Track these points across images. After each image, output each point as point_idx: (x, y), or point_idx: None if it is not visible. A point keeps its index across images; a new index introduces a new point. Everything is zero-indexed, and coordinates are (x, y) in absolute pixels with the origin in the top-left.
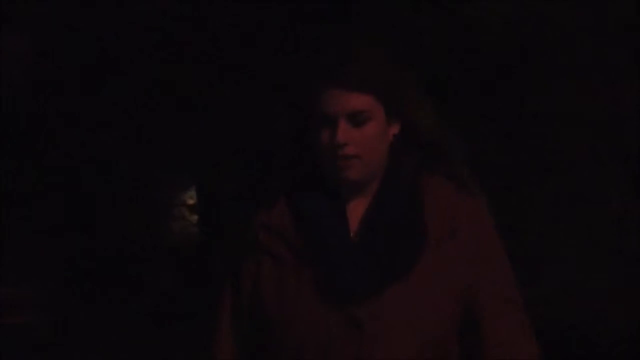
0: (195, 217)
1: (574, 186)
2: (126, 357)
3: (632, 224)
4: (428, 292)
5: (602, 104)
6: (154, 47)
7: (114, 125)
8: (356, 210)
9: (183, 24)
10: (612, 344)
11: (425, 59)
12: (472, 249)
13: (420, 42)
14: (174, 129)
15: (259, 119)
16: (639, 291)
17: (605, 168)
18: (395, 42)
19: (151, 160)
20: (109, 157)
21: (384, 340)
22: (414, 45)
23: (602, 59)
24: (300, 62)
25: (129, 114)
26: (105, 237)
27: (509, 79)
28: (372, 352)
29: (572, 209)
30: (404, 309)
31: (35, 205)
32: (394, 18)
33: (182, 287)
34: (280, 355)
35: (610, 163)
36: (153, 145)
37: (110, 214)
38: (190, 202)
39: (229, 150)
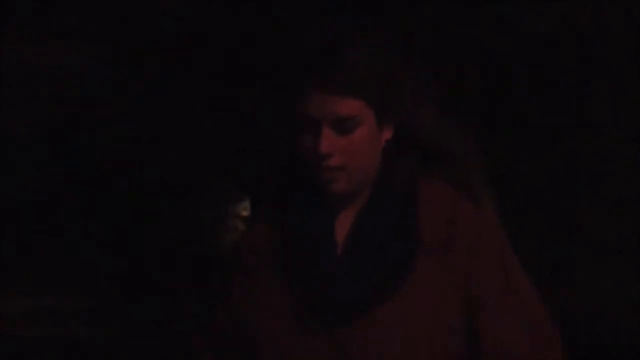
0: None
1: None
2: None
3: None
4: (421, 310)
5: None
6: (210, 61)
7: (169, 138)
8: (345, 221)
9: (238, 38)
10: None
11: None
12: (473, 262)
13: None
14: (229, 141)
15: None
16: None
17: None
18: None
19: (205, 172)
20: (163, 170)
21: None
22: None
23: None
24: (283, 56)
25: (184, 126)
26: (157, 249)
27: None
28: None
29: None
30: (395, 330)
31: (86, 216)
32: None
33: None
34: None
35: None
36: (207, 156)
37: (164, 225)
38: (244, 213)
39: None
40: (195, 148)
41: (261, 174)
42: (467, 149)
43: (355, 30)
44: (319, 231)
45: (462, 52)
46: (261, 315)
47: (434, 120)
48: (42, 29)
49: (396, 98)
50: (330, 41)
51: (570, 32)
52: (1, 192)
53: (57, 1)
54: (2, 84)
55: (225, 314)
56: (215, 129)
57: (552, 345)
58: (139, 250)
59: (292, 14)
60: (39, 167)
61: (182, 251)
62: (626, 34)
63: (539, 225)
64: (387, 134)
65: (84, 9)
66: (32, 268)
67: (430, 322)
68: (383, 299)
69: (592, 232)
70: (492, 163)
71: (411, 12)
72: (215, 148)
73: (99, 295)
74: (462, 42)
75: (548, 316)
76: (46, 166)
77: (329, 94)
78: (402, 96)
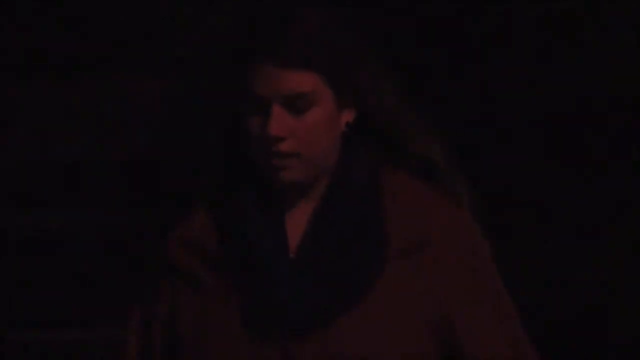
0: None
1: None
2: None
3: None
4: (389, 321)
5: None
6: None
7: None
8: (299, 219)
9: None
10: None
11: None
12: (449, 267)
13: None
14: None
15: None
16: None
17: None
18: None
19: None
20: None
21: None
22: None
23: None
24: (232, 27)
25: None
26: None
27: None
28: None
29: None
30: (357, 344)
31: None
32: None
33: None
34: None
35: None
36: None
37: None
38: None
39: None
40: None
41: (201, 168)
42: (435, 140)
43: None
44: (267, 231)
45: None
46: (200, 329)
47: (397, 105)
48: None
49: (355, 75)
50: (281, 12)
51: None
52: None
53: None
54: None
55: (147, 332)
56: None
57: None
58: None
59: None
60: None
61: None
62: None
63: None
64: (347, 117)
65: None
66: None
67: (399, 335)
68: (342, 310)
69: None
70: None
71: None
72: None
73: None
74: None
75: (526, 332)
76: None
77: (279, 66)
78: (361, 74)
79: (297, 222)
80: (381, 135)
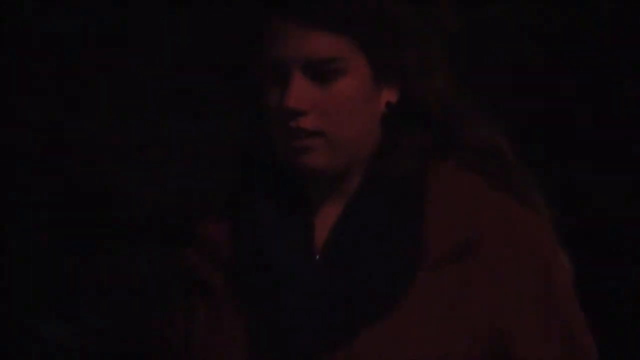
0: None
1: None
2: None
3: None
4: (425, 337)
5: None
6: None
7: None
8: (329, 217)
9: None
10: None
11: None
12: (507, 273)
13: None
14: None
15: None
16: None
17: None
18: None
19: None
20: None
21: None
22: None
23: None
24: None
25: None
26: None
27: None
28: None
29: None
30: None
31: None
32: None
33: None
34: None
35: None
36: None
37: None
38: None
39: None
40: None
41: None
42: (499, 131)
43: None
44: (288, 231)
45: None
46: (214, 344)
47: (452, 90)
48: None
49: (399, 47)
50: None
51: None
52: None
53: None
54: None
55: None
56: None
57: None
58: None
59: None
60: None
61: None
62: None
63: None
64: (388, 96)
65: None
66: None
67: (430, 354)
68: (368, 325)
69: None
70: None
71: None
72: None
73: None
74: None
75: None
76: None
77: (301, 26)
78: (408, 48)
79: (326, 222)
80: (431, 121)
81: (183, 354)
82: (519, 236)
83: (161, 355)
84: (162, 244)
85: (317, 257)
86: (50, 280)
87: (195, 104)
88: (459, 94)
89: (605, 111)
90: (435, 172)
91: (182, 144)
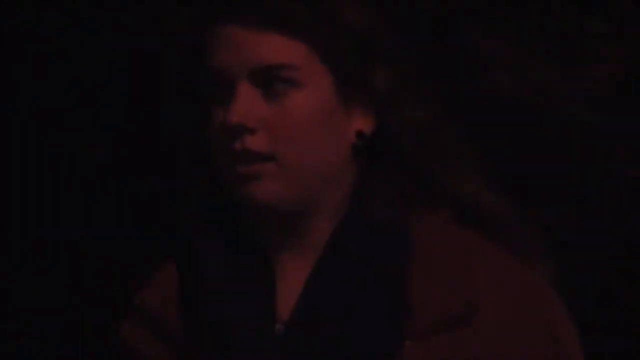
0: None
1: None
2: None
3: None
4: None
5: None
6: None
7: None
8: (294, 276)
9: None
10: None
11: None
12: (508, 346)
13: None
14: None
15: None
16: None
17: None
18: None
19: None
20: None
21: None
22: None
23: None
24: None
25: None
26: None
27: None
28: None
29: None
30: None
31: None
32: None
33: None
34: None
35: None
36: None
37: None
38: None
39: None
40: None
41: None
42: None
43: None
44: (244, 294)
45: None
46: None
47: (432, 122)
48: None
49: (366, 60)
50: None
51: None
52: None
53: None
54: None
55: None
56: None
57: None
58: None
59: None
60: None
61: None
62: None
63: None
64: (360, 123)
65: None
66: None
67: None
68: None
69: None
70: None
71: None
72: None
73: None
74: None
75: None
76: None
77: (246, 28)
78: (376, 61)
79: (289, 282)
80: (410, 161)
81: None
82: (521, 300)
83: None
84: None
85: (280, 326)
86: None
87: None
88: (444, 129)
89: None
90: (421, 225)
91: None
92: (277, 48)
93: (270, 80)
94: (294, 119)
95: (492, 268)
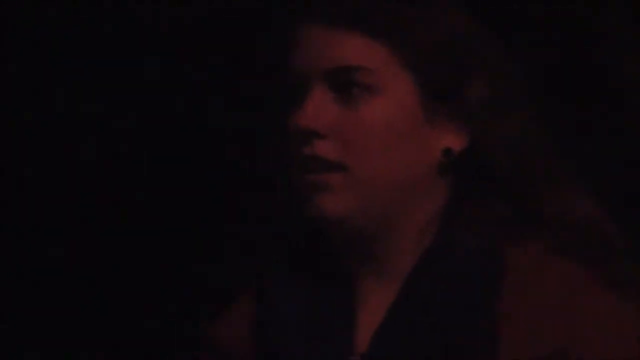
0: None
1: None
2: None
3: None
4: None
5: None
6: None
7: None
8: (376, 307)
9: None
10: None
11: None
12: None
13: None
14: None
15: None
16: None
17: None
18: None
19: None
20: None
21: None
22: None
23: None
24: None
25: None
26: None
27: None
28: None
29: None
30: None
31: None
32: None
33: None
34: None
35: None
36: None
37: None
38: None
39: None
40: None
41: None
42: (595, 202)
43: None
44: (326, 330)
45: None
46: None
47: (534, 143)
48: None
49: (459, 68)
50: None
51: None
52: None
53: None
54: None
55: None
56: None
57: None
58: None
59: None
60: None
61: None
62: None
63: None
64: (449, 140)
65: None
66: None
67: None
68: None
69: None
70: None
71: None
72: None
73: None
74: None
75: None
76: None
77: (326, 28)
78: (472, 71)
79: (371, 311)
80: (508, 183)
81: None
82: (624, 350)
83: None
84: None
85: (355, 359)
86: None
87: None
88: (546, 146)
89: None
90: (514, 257)
91: None
92: (356, 49)
93: (347, 84)
94: (367, 126)
95: (593, 314)
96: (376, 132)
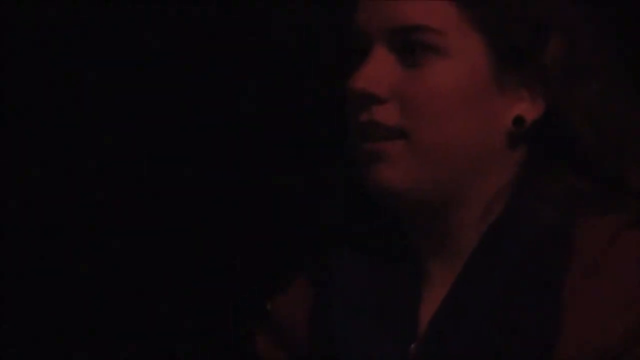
0: None
1: None
2: None
3: None
4: None
5: None
6: None
7: None
8: (439, 288)
9: None
10: None
11: None
12: None
13: None
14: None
15: None
16: None
17: None
18: None
19: None
20: None
21: None
22: None
23: None
24: None
25: None
26: None
27: None
28: None
29: None
30: None
31: None
32: None
33: None
34: None
35: None
36: None
37: None
38: None
39: None
40: None
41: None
42: None
43: None
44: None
45: None
46: None
47: (620, 105)
48: None
49: (535, 28)
50: None
51: None
52: None
53: None
54: None
55: None
56: None
57: None
58: None
59: None
60: None
61: None
62: None
63: None
64: (522, 107)
65: None
66: None
67: None
68: None
69: None
70: None
71: None
72: None
73: None
74: None
75: None
76: None
77: None
78: (550, 32)
79: (435, 292)
80: (587, 155)
81: None
82: None
83: None
84: None
85: (413, 346)
86: None
87: None
88: (630, 114)
89: None
90: (587, 232)
91: None
92: (421, 7)
93: (411, 45)
94: (432, 91)
95: None
96: (441, 97)
